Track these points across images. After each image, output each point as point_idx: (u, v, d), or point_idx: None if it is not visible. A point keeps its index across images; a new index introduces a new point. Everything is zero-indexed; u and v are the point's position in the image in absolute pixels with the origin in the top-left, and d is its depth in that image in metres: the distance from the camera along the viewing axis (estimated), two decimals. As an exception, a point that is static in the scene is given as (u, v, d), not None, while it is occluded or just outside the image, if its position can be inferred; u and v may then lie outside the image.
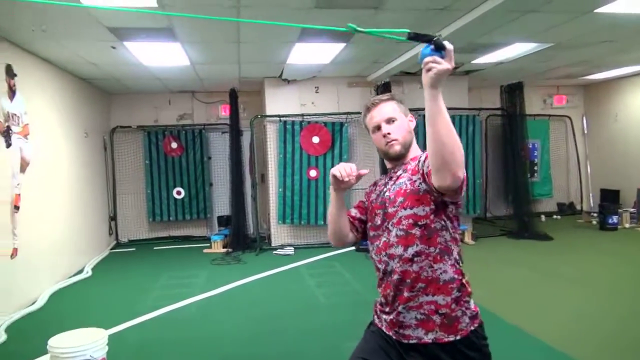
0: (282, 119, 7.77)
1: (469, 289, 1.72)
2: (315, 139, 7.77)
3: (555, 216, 9.81)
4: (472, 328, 1.68)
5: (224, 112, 8.76)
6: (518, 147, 8.28)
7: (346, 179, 1.73)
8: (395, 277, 1.69)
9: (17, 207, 4.96)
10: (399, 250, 1.68)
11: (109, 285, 5.97)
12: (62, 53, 5.61)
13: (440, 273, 1.66)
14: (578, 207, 10.15)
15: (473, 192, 8.12)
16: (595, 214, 8.90)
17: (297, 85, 7.98)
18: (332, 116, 7.83)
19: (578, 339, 3.76)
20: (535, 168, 9.74)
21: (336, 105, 8.05)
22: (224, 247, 7.81)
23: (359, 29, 1.41)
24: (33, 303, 5.10)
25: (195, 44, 5.50)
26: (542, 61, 7.25)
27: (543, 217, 9.36)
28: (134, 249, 8.29)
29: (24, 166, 5.17)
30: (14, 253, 4.87)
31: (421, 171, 1.63)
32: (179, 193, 8.75)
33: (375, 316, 1.85)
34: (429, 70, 1.37)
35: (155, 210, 8.72)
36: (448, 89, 8.63)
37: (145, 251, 8.06)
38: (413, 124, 1.83)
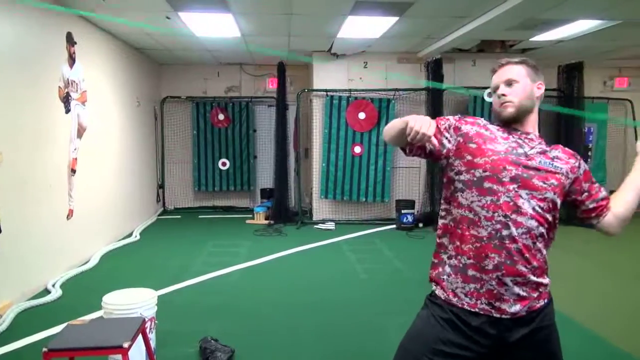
0: (328, 93, 7.71)
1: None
2: (362, 115, 7.68)
3: (608, 205, 9.40)
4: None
5: (271, 85, 8.77)
6: (573, 132, 7.92)
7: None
8: (514, 246, 1.61)
9: (73, 171, 5.18)
10: (531, 223, 1.63)
11: (156, 250, 6.19)
12: (119, 23, 5.72)
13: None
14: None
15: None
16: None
17: (346, 60, 7.88)
18: (380, 92, 7.70)
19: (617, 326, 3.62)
20: (590, 154, 9.31)
21: (384, 81, 7.92)
22: (266, 219, 7.93)
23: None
24: (86, 262, 5.35)
25: (247, 15, 5.49)
26: (607, 40, 6.84)
27: (595, 205, 8.96)
28: (179, 216, 8.54)
29: (80, 132, 5.37)
30: (70, 214, 5.10)
31: (572, 187, 1.73)
32: (224, 164, 8.90)
33: (444, 286, 1.74)
34: None
35: (201, 180, 8.92)
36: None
37: (190, 219, 8.30)
38: (539, 92, 1.73)
